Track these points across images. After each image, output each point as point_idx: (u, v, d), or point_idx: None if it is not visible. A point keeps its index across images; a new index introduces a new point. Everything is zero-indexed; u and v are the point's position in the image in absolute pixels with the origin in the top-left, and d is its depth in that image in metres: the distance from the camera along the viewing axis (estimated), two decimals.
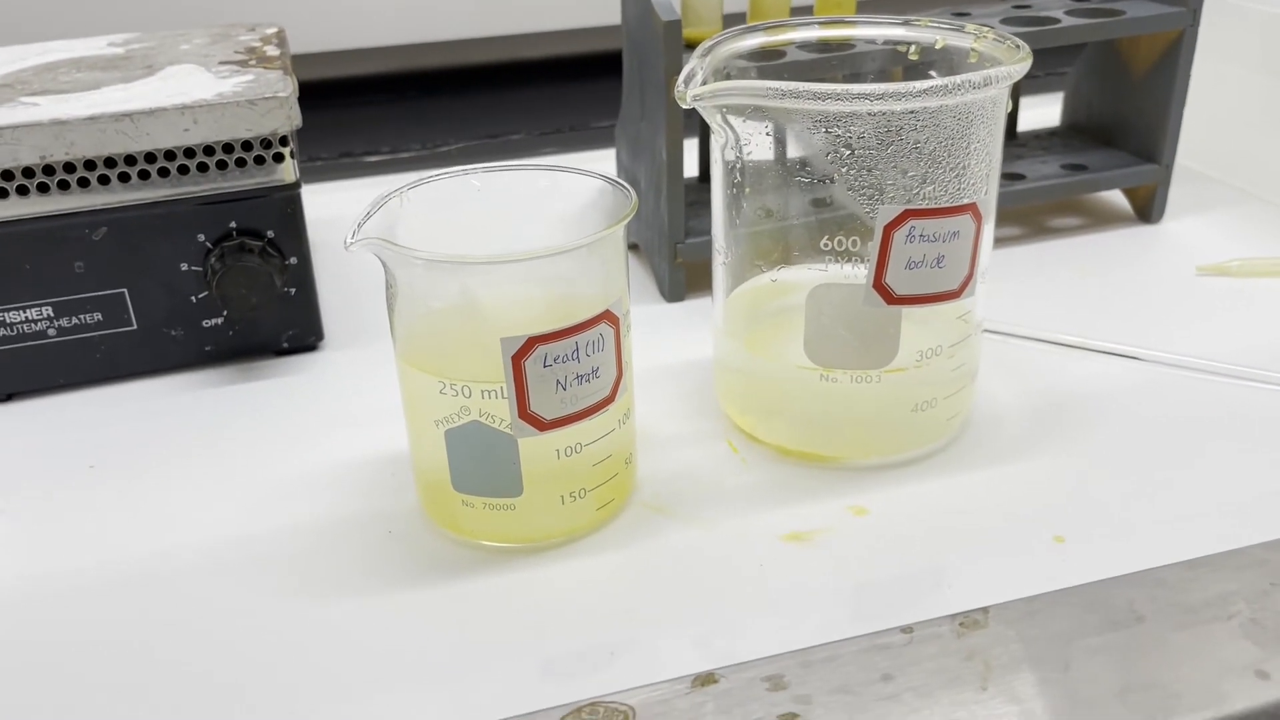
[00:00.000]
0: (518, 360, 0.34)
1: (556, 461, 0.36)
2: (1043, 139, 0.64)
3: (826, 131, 0.36)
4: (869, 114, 0.35)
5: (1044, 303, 0.53)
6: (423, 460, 0.38)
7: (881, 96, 0.34)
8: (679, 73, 0.49)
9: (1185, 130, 0.61)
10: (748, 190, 0.40)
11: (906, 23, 0.42)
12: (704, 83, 0.38)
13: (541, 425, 0.35)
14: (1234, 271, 0.54)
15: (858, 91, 0.34)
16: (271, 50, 0.52)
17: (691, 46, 0.54)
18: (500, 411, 0.35)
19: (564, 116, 0.88)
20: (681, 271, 0.54)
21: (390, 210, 0.37)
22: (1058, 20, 0.55)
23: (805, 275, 0.40)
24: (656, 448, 0.43)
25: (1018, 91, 0.64)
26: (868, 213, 0.37)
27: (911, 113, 0.35)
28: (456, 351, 0.37)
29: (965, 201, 0.37)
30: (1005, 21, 0.55)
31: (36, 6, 0.81)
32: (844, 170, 0.36)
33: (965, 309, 0.40)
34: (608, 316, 0.35)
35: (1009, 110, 0.63)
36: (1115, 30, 0.55)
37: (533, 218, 0.39)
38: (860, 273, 0.38)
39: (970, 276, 0.39)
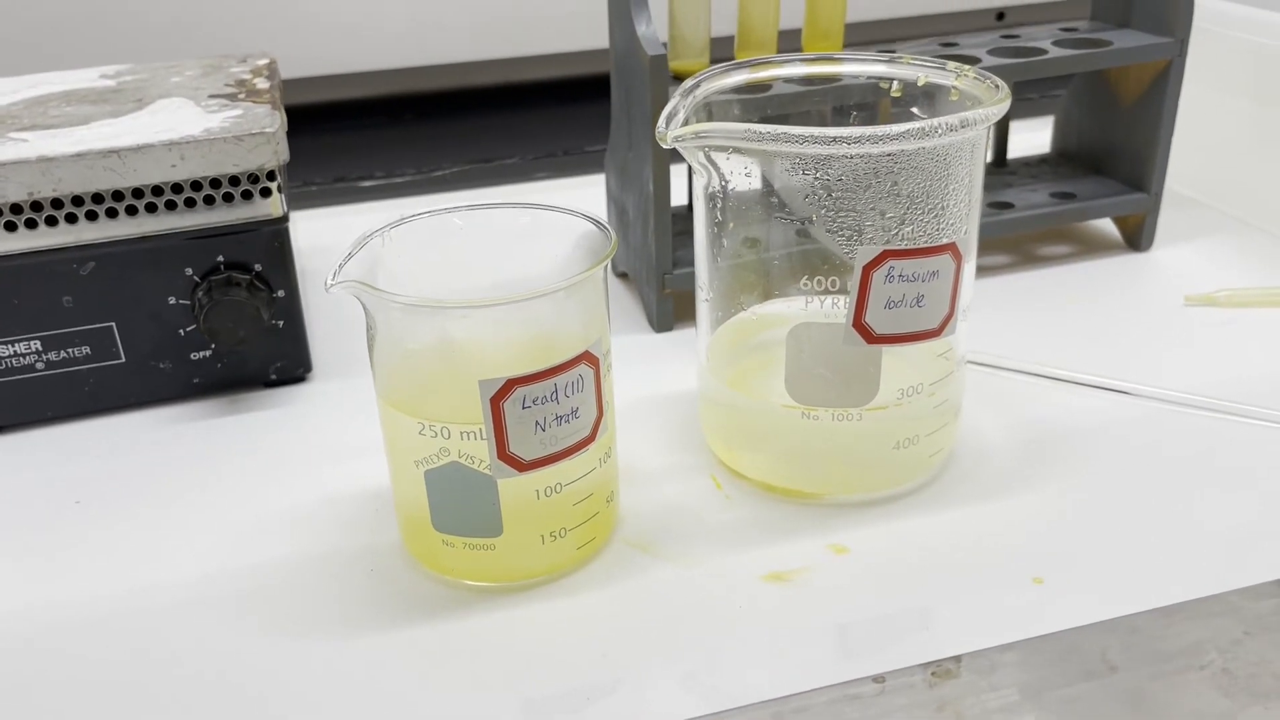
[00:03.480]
0: (496, 402, 0.34)
1: (536, 502, 0.36)
2: (1032, 166, 0.64)
3: (804, 173, 0.36)
4: (847, 157, 0.35)
5: (1031, 333, 0.53)
6: (404, 499, 0.38)
7: (859, 140, 0.34)
8: (666, 105, 0.49)
9: (1177, 156, 0.61)
10: (729, 228, 0.40)
11: (890, 59, 0.42)
12: (686, 121, 0.38)
13: (521, 466, 0.35)
14: (1221, 302, 0.54)
15: (834, 135, 0.34)
16: (261, 83, 0.53)
17: (679, 78, 0.55)
18: (479, 452, 0.35)
19: (559, 139, 0.88)
20: (669, 301, 0.55)
21: (372, 250, 0.37)
22: (1045, 51, 0.55)
23: (787, 311, 0.40)
24: (640, 481, 0.43)
25: (1007, 117, 0.64)
26: (847, 253, 0.37)
27: (889, 155, 0.36)
28: (435, 392, 0.37)
29: (944, 241, 0.37)
30: (993, 51, 0.55)
31: (43, 35, 0.82)
32: (823, 211, 0.37)
33: (946, 347, 0.40)
34: (587, 357, 0.35)
35: (996, 141, 0.64)
36: (1102, 61, 0.55)
37: (514, 256, 0.39)
38: (841, 310, 0.38)
39: (950, 315, 0.39)
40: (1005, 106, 0.37)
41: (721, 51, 0.55)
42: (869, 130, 0.34)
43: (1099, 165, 0.62)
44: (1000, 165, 0.64)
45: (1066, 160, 0.65)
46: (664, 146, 0.38)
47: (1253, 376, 0.48)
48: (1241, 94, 0.62)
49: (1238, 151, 0.64)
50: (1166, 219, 0.62)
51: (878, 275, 0.37)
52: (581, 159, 0.82)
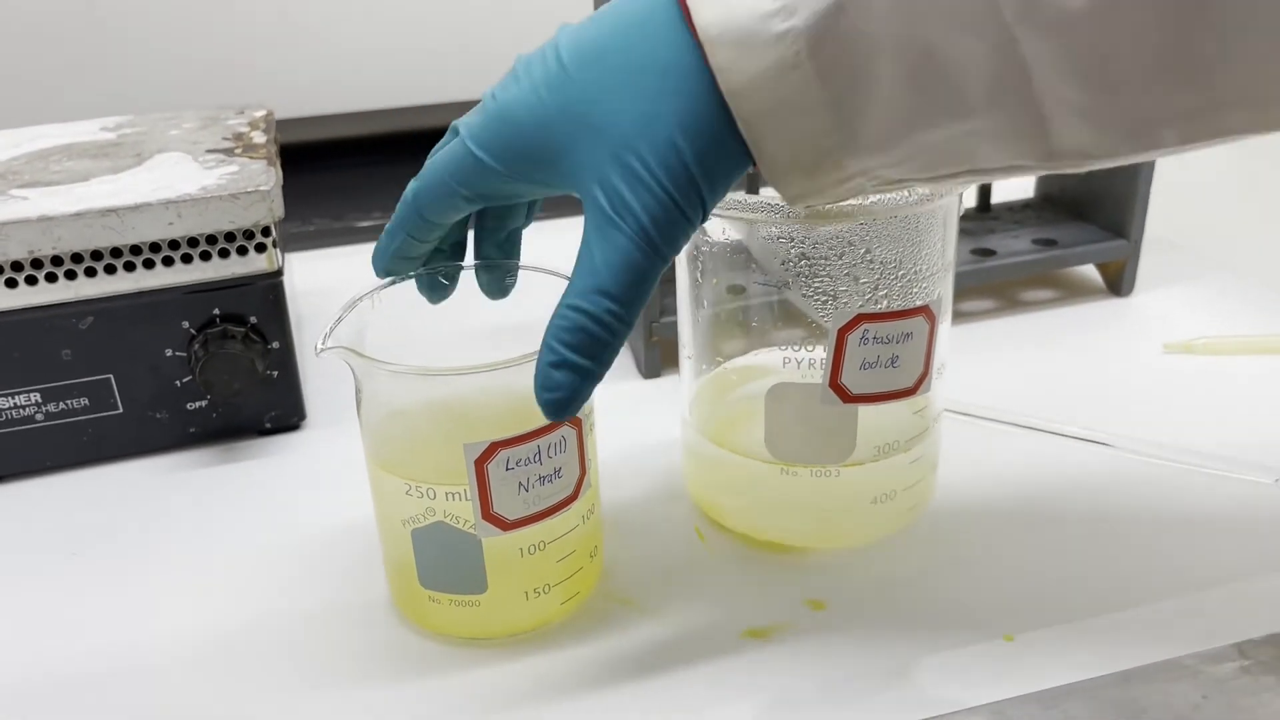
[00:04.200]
0: (480, 464, 0.35)
1: (520, 559, 0.37)
2: (1016, 211, 0.65)
3: (781, 240, 0.37)
4: (824, 226, 0.36)
5: (1012, 380, 0.54)
6: (391, 555, 0.39)
7: (835, 215, 0.36)
8: None
9: (1159, 200, 0.62)
10: (710, 288, 0.41)
11: None
12: None
13: (505, 525, 0.36)
14: (1200, 350, 0.55)
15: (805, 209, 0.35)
16: (258, 136, 0.54)
17: None
18: (464, 513, 0.36)
19: None
20: (657, 349, 0.56)
21: (361, 312, 0.38)
22: None
23: (767, 362, 0.41)
24: (625, 531, 0.44)
25: None
26: (823, 316, 0.38)
27: (863, 224, 0.37)
28: (422, 454, 0.38)
29: (918, 304, 0.38)
30: None
31: (50, 83, 0.84)
32: (799, 276, 0.38)
33: (922, 404, 0.41)
34: (569, 419, 0.36)
35: (979, 186, 0.65)
36: None
37: (502, 313, 0.41)
38: (818, 369, 0.39)
39: (925, 373, 0.40)
40: None
41: None
42: (845, 202, 0.35)
43: (1081, 210, 0.64)
44: (984, 210, 0.66)
45: (1050, 205, 0.66)
46: None
47: (1228, 429, 0.49)
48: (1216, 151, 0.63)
49: (1219, 197, 0.65)
50: (1148, 263, 0.63)
51: (853, 338, 0.38)
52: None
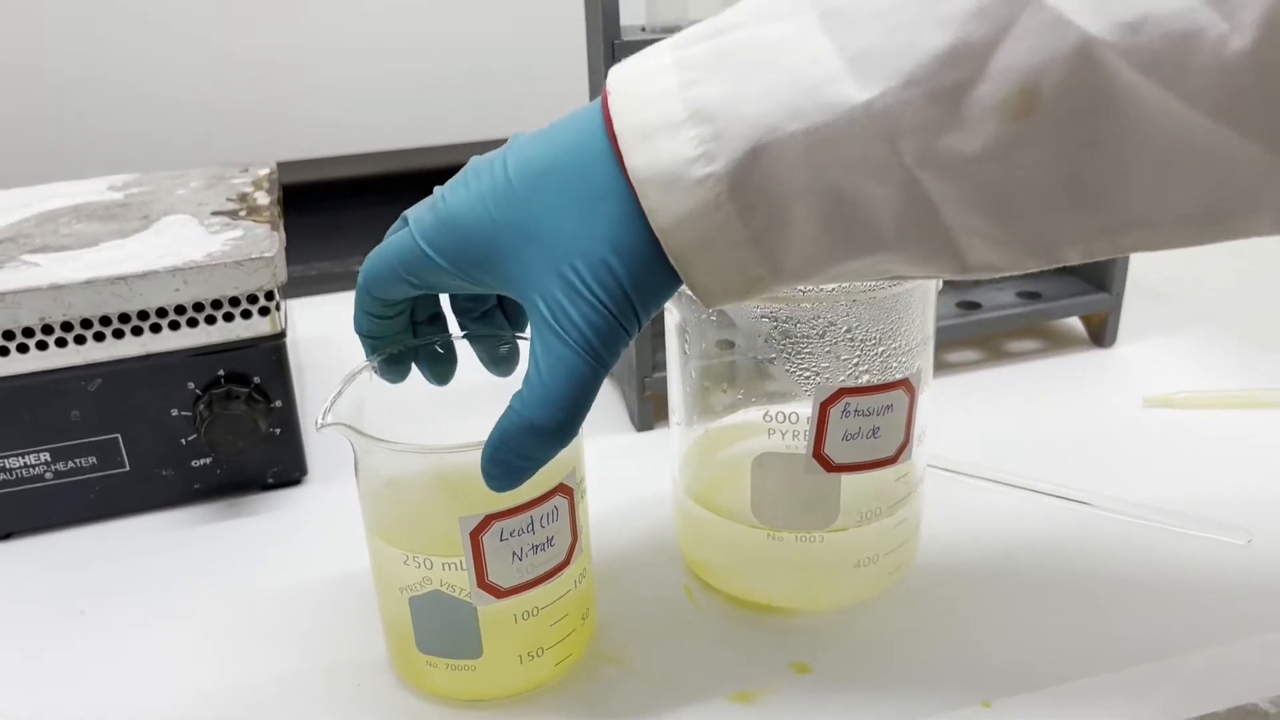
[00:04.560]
0: (475, 536, 0.36)
1: (514, 624, 0.38)
2: None
3: (765, 319, 0.39)
4: (807, 306, 0.38)
5: (995, 433, 0.55)
6: (389, 621, 0.40)
7: (815, 295, 0.37)
8: None
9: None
10: (697, 360, 0.42)
11: None
12: None
13: (499, 593, 0.37)
14: (1179, 404, 0.57)
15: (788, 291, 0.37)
16: (262, 198, 0.56)
17: None
18: (460, 582, 0.37)
19: None
20: (650, 403, 0.57)
21: (360, 384, 0.39)
22: None
23: (752, 424, 0.42)
24: (618, 588, 0.45)
25: None
26: (805, 390, 0.39)
27: (844, 304, 0.38)
28: (419, 525, 0.39)
29: (898, 377, 0.40)
30: None
31: (54, 136, 0.85)
32: (782, 353, 0.39)
33: (904, 471, 0.42)
34: (561, 489, 0.38)
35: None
36: None
37: (498, 382, 0.42)
38: (802, 439, 0.40)
39: (906, 443, 0.41)
40: None
41: None
42: (824, 285, 0.37)
43: None
44: None
45: None
46: None
47: (1205, 485, 0.50)
48: None
49: (1202, 250, 0.66)
50: (1132, 314, 0.65)
51: (835, 411, 0.39)
52: None
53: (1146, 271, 0.69)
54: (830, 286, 0.37)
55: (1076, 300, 0.62)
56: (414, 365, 0.41)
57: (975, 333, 0.61)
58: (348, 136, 0.98)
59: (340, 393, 0.38)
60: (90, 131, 0.90)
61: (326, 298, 0.75)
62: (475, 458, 0.37)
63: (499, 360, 0.42)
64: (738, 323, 0.40)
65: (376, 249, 0.37)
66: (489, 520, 0.36)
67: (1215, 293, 0.67)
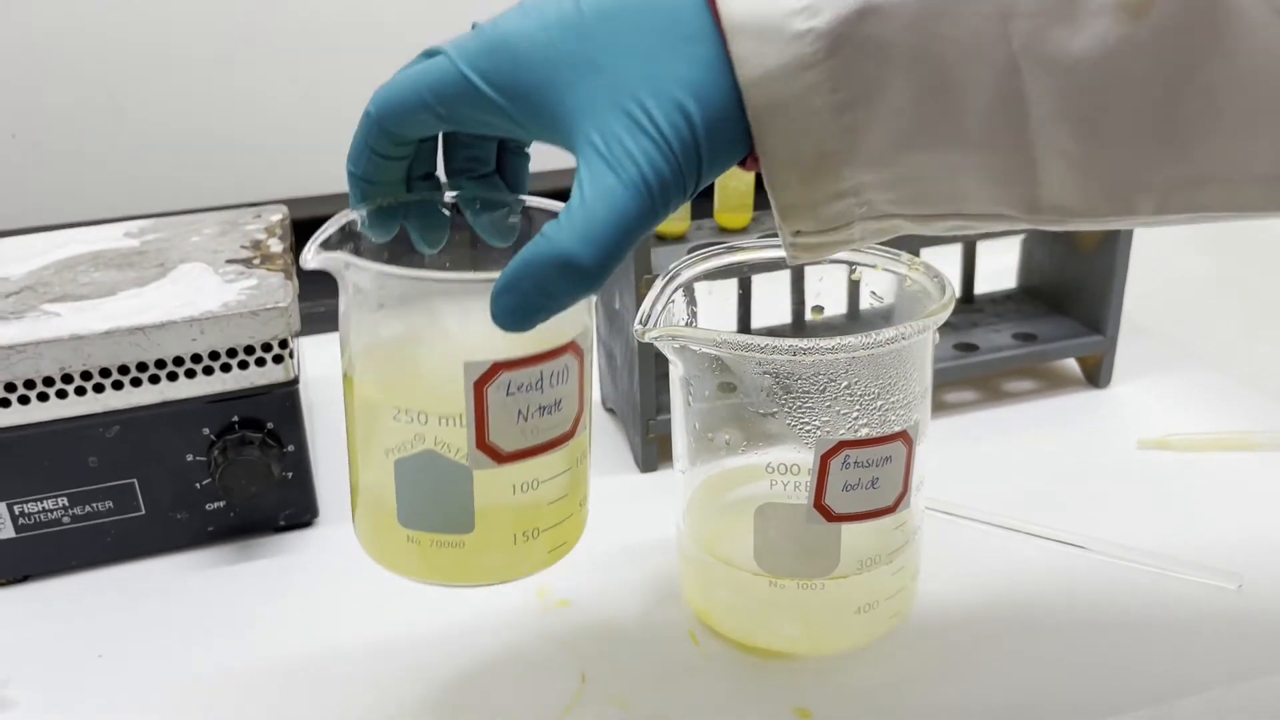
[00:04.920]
0: (480, 387, 0.33)
1: (511, 497, 0.35)
2: (998, 303, 0.68)
3: (767, 374, 0.40)
4: (807, 362, 0.39)
5: (992, 474, 0.56)
6: (367, 491, 0.37)
7: (814, 350, 0.38)
8: (649, 273, 0.53)
9: (1141, 289, 0.65)
10: (702, 412, 0.43)
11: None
12: (658, 321, 0.42)
13: (499, 457, 0.34)
14: (1174, 446, 0.58)
15: (791, 345, 0.38)
16: (275, 245, 0.57)
17: (661, 237, 0.59)
18: (457, 441, 0.34)
19: None
20: (654, 445, 0.58)
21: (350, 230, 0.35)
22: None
23: (754, 468, 0.43)
24: (623, 632, 0.46)
25: (973, 254, 0.68)
26: (806, 443, 0.40)
27: (843, 360, 0.39)
28: (413, 377, 0.36)
29: (897, 430, 0.41)
30: None
31: (66, 179, 0.87)
32: (784, 406, 0.40)
33: (902, 519, 0.43)
34: (573, 348, 0.35)
35: (963, 279, 0.67)
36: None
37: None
38: (803, 490, 0.41)
39: (904, 492, 0.42)
40: (949, 309, 0.41)
41: (702, 209, 0.59)
42: (824, 342, 0.38)
43: (1060, 303, 0.66)
44: (968, 301, 0.68)
45: (1030, 297, 0.69)
46: (640, 341, 0.42)
47: (1199, 527, 0.51)
48: (1199, 238, 0.66)
49: (1197, 290, 0.68)
50: (1128, 353, 0.66)
51: (835, 462, 0.40)
52: None
53: (1142, 310, 0.70)
54: (830, 342, 0.38)
55: (1071, 342, 0.63)
56: (404, 225, 0.37)
57: (973, 374, 0.63)
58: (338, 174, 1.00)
59: (329, 230, 0.34)
60: (104, 166, 0.92)
61: (335, 336, 0.76)
62: (482, 294, 0.32)
63: (499, 229, 0.38)
64: (740, 377, 0.41)
65: (395, 78, 0.34)
66: (496, 370, 0.33)
67: (1210, 333, 0.68)
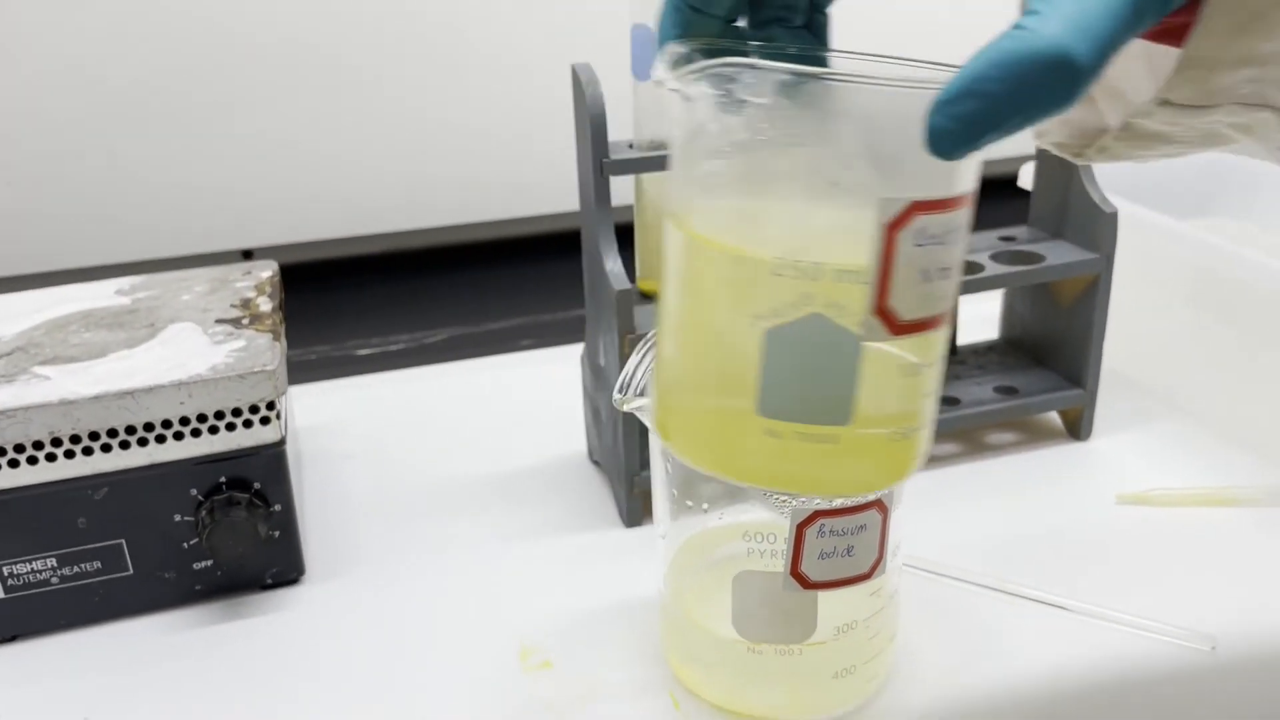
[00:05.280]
0: (892, 230, 0.27)
1: (898, 381, 0.29)
2: (981, 354, 0.69)
3: None
4: None
5: (972, 529, 0.57)
6: (705, 376, 0.30)
7: None
8: (633, 332, 0.54)
9: (1123, 342, 0.66)
10: (679, 478, 0.44)
11: None
12: (640, 390, 0.43)
13: (895, 326, 0.28)
14: (1153, 501, 0.58)
15: None
16: (264, 304, 0.58)
17: (646, 295, 0.60)
18: (851, 302, 0.27)
19: (546, 296, 0.93)
20: (639, 500, 0.59)
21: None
22: (982, 267, 0.60)
23: (732, 544, 0.44)
24: (603, 693, 0.47)
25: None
26: (782, 513, 0.41)
27: None
28: (802, 223, 0.29)
29: (870, 499, 0.42)
30: None
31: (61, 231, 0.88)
32: None
33: (878, 585, 0.44)
34: (970, 200, 0.29)
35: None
36: (1034, 278, 0.60)
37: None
38: (780, 558, 0.42)
39: (880, 559, 0.43)
40: None
41: None
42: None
43: (1042, 356, 0.67)
44: (951, 354, 0.69)
45: (1013, 349, 0.69)
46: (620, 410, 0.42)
47: (1176, 585, 0.52)
48: (1178, 293, 0.67)
49: (1177, 344, 0.68)
50: (1110, 406, 0.67)
51: (810, 531, 0.41)
52: (566, 325, 0.87)
53: (1126, 363, 0.71)
54: None
55: (1051, 396, 0.64)
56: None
57: (955, 427, 0.63)
58: (347, 218, 1.01)
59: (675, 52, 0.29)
60: (98, 216, 0.93)
61: (325, 385, 0.77)
62: (905, 110, 0.25)
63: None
64: None
65: None
66: (913, 211, 0.26)
67: (1193, 385, 0.69)
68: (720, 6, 0.31)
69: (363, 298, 0.96)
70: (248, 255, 0.99)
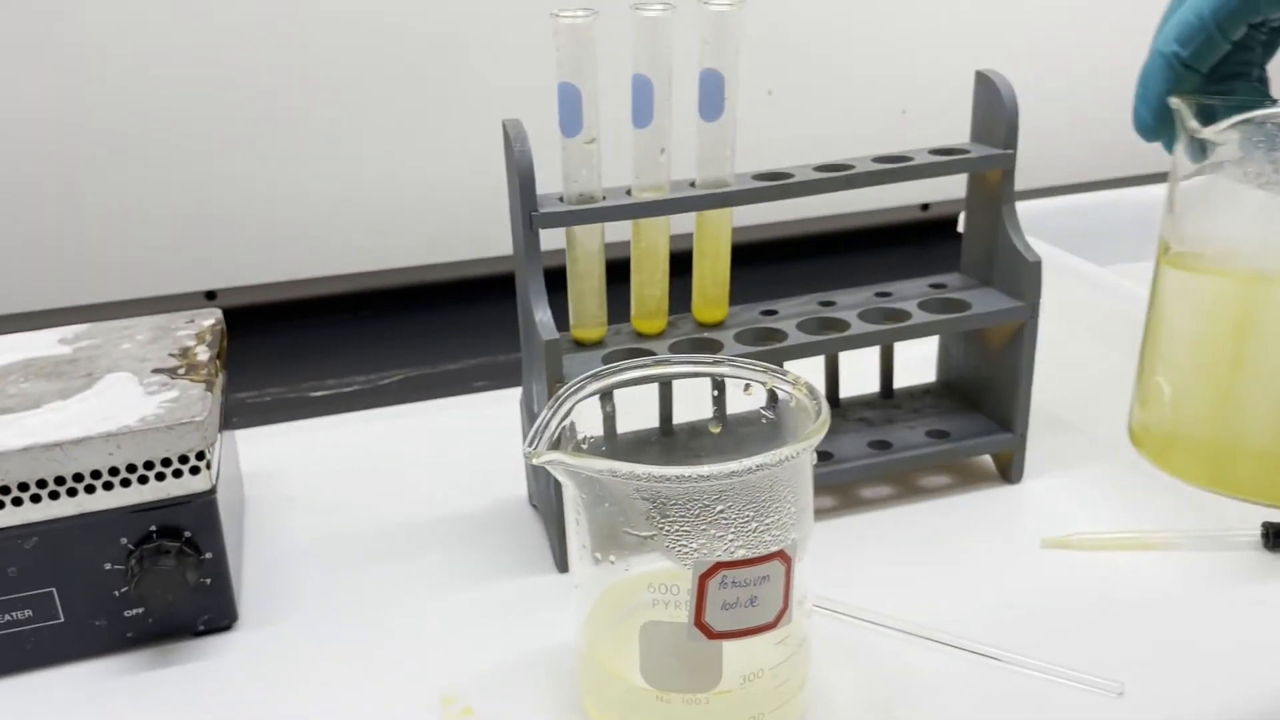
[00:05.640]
0: None
1: None
2: (916, 397, 0.70)
3: (644, 499, 0.42)
4: (680, 489, 0.41)
5: (898, 575, 0.58)
6: (1228, 407, 0.36)
7: (686, 478, 0.40)
8: (561, 381, 0.55)
9: (1054, 384, 0.67)
10: (590, 531, 0.45)
11: (719, 363, 0.49)
12: (553, 439, 0.44)
13: None
14: (1074, 545, 0.59)
15: (661, 474, 0.40)
16: (203, 353, 0.59)
17: (579, 342, 0.61)
18: None
19: (501, 338, 0.94)
20: None
21: None
22: (910, 315, 0.61)
23: (640, 596, 0.45)
24: None
25: (890, 349, 0.70)
26: (684, 564, 0.42)
27: (713, 485, 0.41)
28: None
29: (774, 550, 0.43)
30: (863, 315, 0.62)
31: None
32: (661, 530, 0.42)
33: (785, 634, 0.45)
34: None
35: (881, 374, 0.69)
36: (961, 325, 0.62)
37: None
38: (684, 609, 0.43)
39: (785, 608, 0.44)
40: (823, 433, 0.43)
41: (619, 315, 0.61)
42: (695, 470, 0.40)
43: (975, 400, 0.68)
44: (887, 397, 0.70)
45: (949, 392, 0.70)
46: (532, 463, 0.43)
47: (1090, 632, 0.53)
48: (1104, 339, 0.69)
49: (1104, 387, 0.70)
50: (1042, 448, 0.68)
51: (712, 583, 0.42)
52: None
53: (1057, 403, 0.72)
54: (702, 470, 0.40)
55: (982, 440, 0.65)
56: None
57: (887, 470, 0.64)
58: (311, 259, 1.02)
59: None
60: (57, 258, 0.94)
61: (277, 428, 0.78)
62: None
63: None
64: (619, 501, 0.43)
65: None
66: None
67: (1119, 428, 0.70)
68: (1208, 63, 0.35)
69: (324, 338, 0.97)
70: (211, 296, 1.00)
